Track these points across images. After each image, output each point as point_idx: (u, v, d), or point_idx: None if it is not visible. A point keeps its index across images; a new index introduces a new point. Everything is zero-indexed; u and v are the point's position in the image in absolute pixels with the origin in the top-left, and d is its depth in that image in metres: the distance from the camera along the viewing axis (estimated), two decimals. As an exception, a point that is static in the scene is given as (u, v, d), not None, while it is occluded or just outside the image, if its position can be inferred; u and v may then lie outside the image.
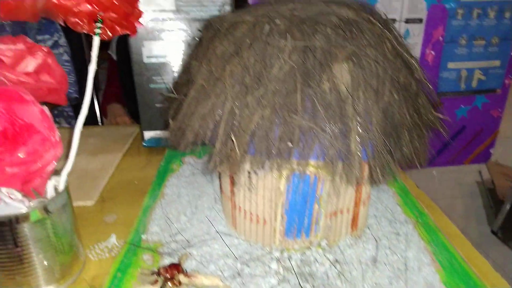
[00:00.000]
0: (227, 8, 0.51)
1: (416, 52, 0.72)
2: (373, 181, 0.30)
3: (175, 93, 0.36)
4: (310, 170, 0.30)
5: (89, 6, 0.34)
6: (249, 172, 0.31)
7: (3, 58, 0.31)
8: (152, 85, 0.53)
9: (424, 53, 0.73)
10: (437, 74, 0.75)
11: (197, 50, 0.35)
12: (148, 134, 0.55)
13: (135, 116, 0.93)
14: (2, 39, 0.31)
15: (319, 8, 0.32)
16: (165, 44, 0.51)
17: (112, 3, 0.34)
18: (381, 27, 0.32)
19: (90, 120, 0.64)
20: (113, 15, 0.35)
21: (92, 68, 0.35)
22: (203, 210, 0.41)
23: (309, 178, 0.31)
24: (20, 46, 0.32)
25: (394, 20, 0.69)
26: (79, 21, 0.35)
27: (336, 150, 0.28)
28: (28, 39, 0.33)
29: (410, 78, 0.32)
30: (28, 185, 0.26)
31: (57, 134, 0.27)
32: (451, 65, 0.75)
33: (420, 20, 0.70)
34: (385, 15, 0.35)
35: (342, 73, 0.28)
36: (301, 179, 0.31)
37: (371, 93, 0.29)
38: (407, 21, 0.70)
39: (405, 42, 0.35)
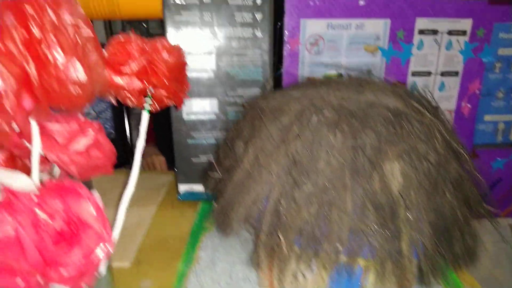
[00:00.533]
0: (267, 68, 0.52)
1: (452, 104, 0.70)
2: (423, 282, 0.29)
3: (218, 169, 0.36)
4: (357, 264, 0.30)
5: (140, 84, 0.35)
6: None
7: (58, 139, 0.32)
8: (190, 141, 0.54)
9: (460, 105, 0.71)
10: (473, 127, 0.73)
11: (242, 129, 0.36)
12: (183, 188, 0.56)
13: (168, 160, 0.94)
14: (57, 117, 0.33)
15: (367, 97, 0.32)
16: (205, 101, 0.52)
17: (163, 82, 0.35)
18: (430, 116, 0.31)
19: (122, 159, 0.66)
20: (163, 92, 0.36)
21: (140, 143, 0.35)
22: (237, 280, 0.41)
23: (355, 271, 0.31)
24: (74, 125, 0.33)
25: (429, 73, 0.68)
26: (130, 97, 0.36)
27: (386, 251, 0.27)
28: (81, 117, 0.34)
29: (460, 170, 0.31)
30: (79, 282, 0.26)
31: (109, 229, 0.27)
32: (487, 117, 0.72)
33: (456, 73, 0.69)
34: (433, 98, 0.34)
35: (393, 172, 0.28)
36: (346, 271, 0.30)
37: (423, 193, 0.28)
38: (443, 74, 0.69)
39: (453, 129, 0.34)
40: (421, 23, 0.65)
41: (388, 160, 0.28)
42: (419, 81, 0.68)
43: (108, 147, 0.35)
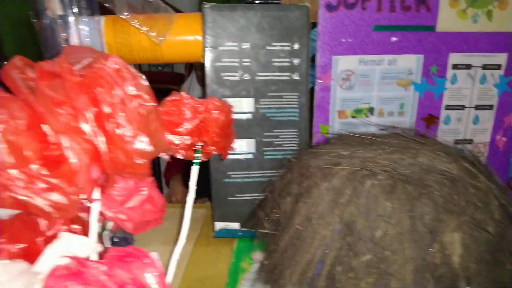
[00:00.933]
0: (304, 110, 0.52)
1: (486, 137, 0.69)
2: None
3: (264, 220, 0.37)
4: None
5: (192, 141, 0.36)
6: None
7: (116, 197, 0.33)
8: (227, 180, 0.55)
9: (494, 139, 0.70)
10: (508, 159, 0.71)
11: (289, 184, 0.36)
12: (219, 225, 0.57)
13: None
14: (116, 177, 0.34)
15: (421, 161, 0.32)
16: (242, 142, 0.53)
17: (213, 140, 0.36)
18: (485, 180, 0.31)
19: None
20: (212, 147, 0.37)
21: (190, 197, 0.36)
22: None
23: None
24: (130, 183, 0.34)
25: (463, 107, 0.68)
26: (181, 152, 0.37)
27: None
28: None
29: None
30: None
31: None
32: (523, 150, 0.71)
33: (491, 107, 0.68)
34: (485, 163, 0.34)
35: (453, 243, 0.28)
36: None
37: (483, 264, 0.28)
38: (477, 107, 0.68)
39: (506, 190, 0.34)
40: (454, 58, 0.65)
41: (448, 230, 0.28)
42: (453, 115, 0.68)
43: (160, 201, 0.36)
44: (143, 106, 0.28)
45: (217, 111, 0.35)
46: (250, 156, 0.54)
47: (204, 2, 0.50)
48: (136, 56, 0.50)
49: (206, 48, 0.50)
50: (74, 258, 0.26)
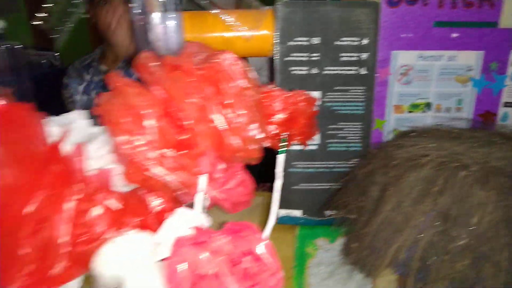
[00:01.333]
0: (370, 104, 0.54)
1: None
2: None
3: (347, 208, 0.39)
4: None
5: (278, 130, 0.39)
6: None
7: (219, 180, 0.36)
8: (291, 170, 0.57)
9: (553, 136, 0.69)
10: None
11: (373, 174, 0.38)
12: (282, 212, 0.59)
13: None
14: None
15: (510, 154, 0.33)
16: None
17: (300, 131, 0.38)
18: None
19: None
20: (297, 137, 0.40)
21: (277, 184, 0.39)
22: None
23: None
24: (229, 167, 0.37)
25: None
26: (267, 140, 0.40)
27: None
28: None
29: None
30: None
31: (281, 270, 0.31)
32: None
33: (550, 104, 0.67)
34: None
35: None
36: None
37: None
38: (506, 104, 0.68)
39: None
40: None
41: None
42: (511, 112, 0.68)
43: (251, 184, 0.38)
44: (254, 97, 0.31)
45: (304, 104, 0.38)
46: (314, 147, 0.56)
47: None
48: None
49: (276, 43, 0.52)
50: (197, 229, 0.29)
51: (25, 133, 0.27)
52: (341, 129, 0.55)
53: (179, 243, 0.28)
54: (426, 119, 0.68)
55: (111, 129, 0.28)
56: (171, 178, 0.27)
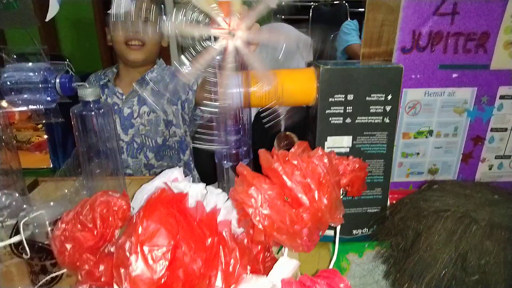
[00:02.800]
0: (391, 145, 0.67)
1: (521, 152, 0.85)
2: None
3: (390, 243, 0.53)
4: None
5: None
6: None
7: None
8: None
9: (528, 153, 0.86)
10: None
11: (407, 219, 0.52)
12: (318, 232, 0.73)
13: None
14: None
15: (509, 212, 0.48)
16: (343, 138, 0.67)
17: (356, 190, 0.51)
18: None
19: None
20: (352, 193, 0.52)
21: (338, 229, 0.52)
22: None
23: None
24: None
25: (506, 129, 0.83)
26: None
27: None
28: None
29: None
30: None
31: None
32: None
33: (527, 128, 0.83)
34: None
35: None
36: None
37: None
38: (492, 130, 0.83)
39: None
40: (503, 90, 0.79)
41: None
42: (497, 135, 0.83)
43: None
44: (336, 179, 0.43)
45: (359, 169, 0.50)
46: (345, 180, 0.69)
47: (319, 62, 0.62)
48: (263, 101, 0.64)
49: (319, 99, 0.63)
50: (304, 276, 0.42)
51: (187, 214, 0.39)
52: (367, 164, 0.68)
53: (289, 284, 0.41)
54: (428, 143, 0.82)
55: (240, 204, 0.40)
56: (283, 241, 0.40)
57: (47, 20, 0.83)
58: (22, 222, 0.47)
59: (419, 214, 0.50)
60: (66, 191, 0.67)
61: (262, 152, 0.42)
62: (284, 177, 0.39)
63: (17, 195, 0.59)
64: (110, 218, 0.43)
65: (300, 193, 0.40)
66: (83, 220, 0.43)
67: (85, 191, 0.72)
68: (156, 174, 0.56)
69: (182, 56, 0.52)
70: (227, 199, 0.48)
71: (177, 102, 1.04)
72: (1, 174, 0.59)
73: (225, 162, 0.62)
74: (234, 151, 0.62)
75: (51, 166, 1.34)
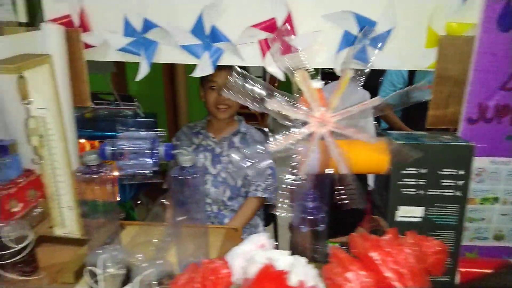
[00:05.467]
0: (462, 218, 0.68)
1: None
2: None
3: None
4: None
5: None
6: None
7: None
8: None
9: None
10: None
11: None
12: None
13: None
14: None
15: None
16: (415, 209, 0.69)
17: (437, 272, 0.53)
18: None
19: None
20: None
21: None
22: None
23: None
24: None
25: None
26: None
27: None
28: None
29: None
30: None
31: None
32: None
33: None
34: None
35: None
36: None
37: None
38: None
39: None
40: None
41: None
42: None
43: None
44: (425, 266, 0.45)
45: (443, 253, 0.52)
46: (414, 247, 0.71)
47: (390, 134, 0.66)
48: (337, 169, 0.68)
49: (392, 171, 0.66)
50: None
51: None
52: (438, 235, 0.70)
53: None
54: (494, 209, 0.82)
55: (335, 286, 0.44)
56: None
57: (137, 80, 0.93)
58: (137, 280, 0.53)
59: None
60: (153, 237, 0.74)
61: (355, 236, 0.46)
62: (381, 267, 0.43)
63: (119, 246, 0.66)
64: (218, 286, 0.48)
65: (395, 281, 0.43)
66: (195, 286, 0.48)
67: (169, 238, 0.79)
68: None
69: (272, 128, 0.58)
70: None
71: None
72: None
73: (303, 226, 0.66)
74: (311, 217, 0.66)
75: (118, 199, 1.43)
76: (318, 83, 0.58)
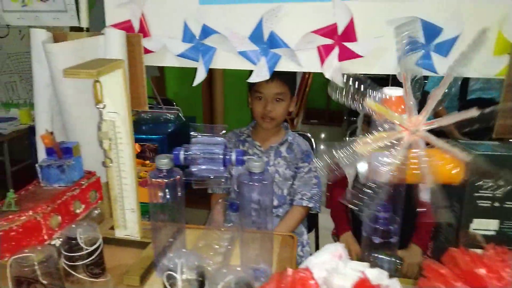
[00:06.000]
0: None
1: None
2: None
3: None
4: None
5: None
6: None
7: None
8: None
9: None
10: None
11: None
12: None
13: None
14: None
15: None
16: (490, 221, 0.66)
17: None
18: None
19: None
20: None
21: None
22: None
23: None
24: None
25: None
26: None
27: None
28: None
29: None
30: None
31: None
32: None
33: None
34: None
35: None
36: None
37: None
38: None
39: None
40: None
41: None
42: None
43: None
44: None
45: None
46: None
47: (466, 144, 0.64)
48: (413, 178, 0.66)
49: (468, 182, 0.64)
50: None
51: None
52: (513, 249, 0.67)
53: None
54: None
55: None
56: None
57: (194, 85, 0.94)
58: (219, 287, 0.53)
59: None
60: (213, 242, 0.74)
61: (458, 252, 0.44)
62: (490, 285, 0.41)
63: (193, 251, 0.66)
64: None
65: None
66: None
67: (227, 243, 0.78)
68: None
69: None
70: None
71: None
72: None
73: (374, 237, 0.65)
74: (384, 228, 0.64)
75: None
76: (398, 91, 0.57)
